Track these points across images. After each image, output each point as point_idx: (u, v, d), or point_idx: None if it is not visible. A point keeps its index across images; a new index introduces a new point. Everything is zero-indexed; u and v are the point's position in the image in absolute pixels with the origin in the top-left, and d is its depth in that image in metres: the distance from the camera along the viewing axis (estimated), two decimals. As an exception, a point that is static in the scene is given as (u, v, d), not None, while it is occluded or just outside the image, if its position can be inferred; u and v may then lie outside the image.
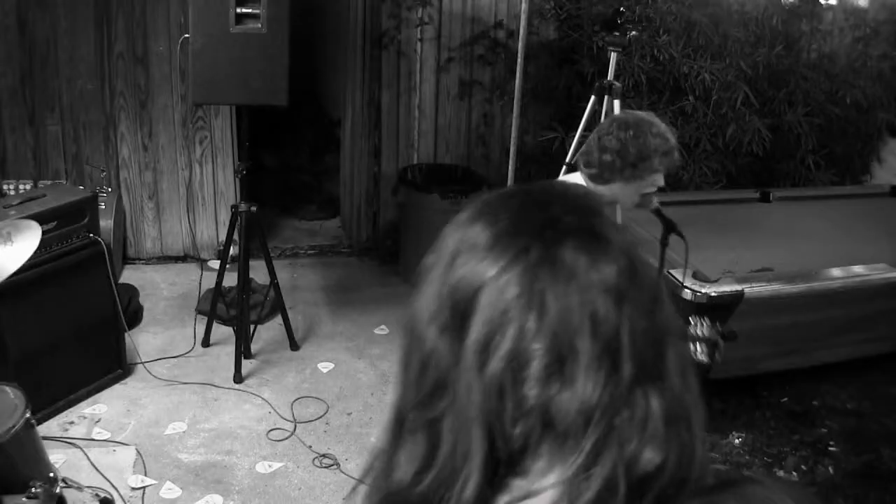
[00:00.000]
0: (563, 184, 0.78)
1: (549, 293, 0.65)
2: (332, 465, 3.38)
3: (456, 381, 0.66)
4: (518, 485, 0.67)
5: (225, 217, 5.04)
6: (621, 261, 0.68)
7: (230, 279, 4.10)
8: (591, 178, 2.51)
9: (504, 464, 0.67)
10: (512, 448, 0.66)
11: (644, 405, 0.65)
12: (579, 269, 0.66)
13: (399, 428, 0.72)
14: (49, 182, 4.64)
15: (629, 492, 0.64)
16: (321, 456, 3.42)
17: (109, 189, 4.71)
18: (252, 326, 4.13)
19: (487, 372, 0.65)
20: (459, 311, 0.67)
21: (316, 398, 3.85)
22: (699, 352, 2.51)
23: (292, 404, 3.78)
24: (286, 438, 3.55)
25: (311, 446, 3.49)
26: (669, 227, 2.78)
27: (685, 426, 0.67)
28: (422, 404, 0.69)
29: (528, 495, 0.66)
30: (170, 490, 3.18)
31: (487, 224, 0.70)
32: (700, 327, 2.50)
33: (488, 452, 0.66)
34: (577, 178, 2.59)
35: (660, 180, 2.54)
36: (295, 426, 3.64)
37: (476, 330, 0.66)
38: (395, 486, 0.70)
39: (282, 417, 3.69)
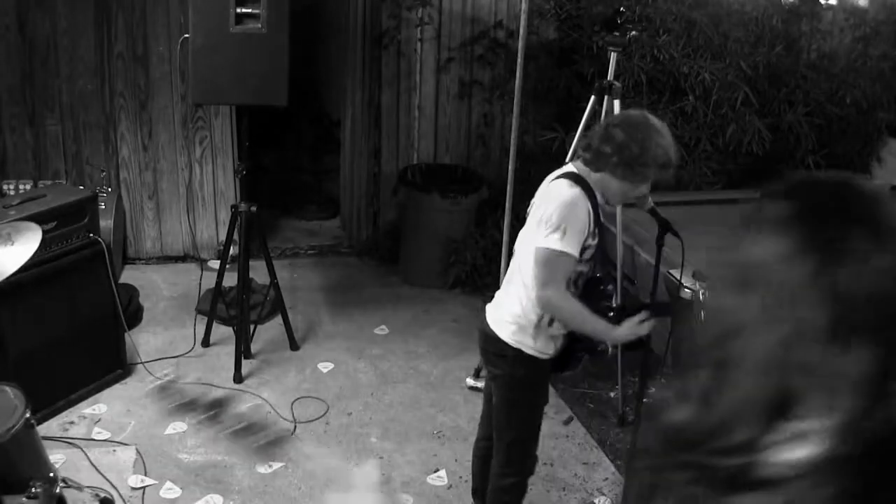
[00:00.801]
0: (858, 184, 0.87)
1: (840, 272, 0.76)
2: (332, 465, 3.38)
3: (749, 333, 0.77)
4: (787, 427, 0.76)
5: (225, 217, 5.04)
6: None
7: (230, 279, 4.10)
8: (584, 161, 2.50)
9: (776, 409, 0.76)
10: (787, 396, 0.75)
11: None
12: (867, 253, 0.76)
13: (687, 371, 0.84)
14: (49, 182, 4.64)
15: (886, 447, 0.75)
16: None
17: (109, 189, 4.71)
18: (252, 326, 4.13)
19: (780, 330, 0.76)
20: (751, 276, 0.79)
21: (316, 398, 3.85)
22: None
23: (292, 404, 3.78)
24: (286, 439, 3.55)
25: (311, 447, 3.49)
26: (665, 227, 2.78)
27: None
28: (712, 346, 0.80)
29: (795, 437, 0.76)
30: (170, 490, 3.18)
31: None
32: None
33: (768, 398, 0.76)
34: (569, 167, 2.58)
35: (646, 189, 2.53)
36: (295, 426, 3.64)
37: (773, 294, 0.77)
38: (677, 425, 0.80)
39: (282, 417, 3.69)
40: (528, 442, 2.73)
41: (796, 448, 0.76)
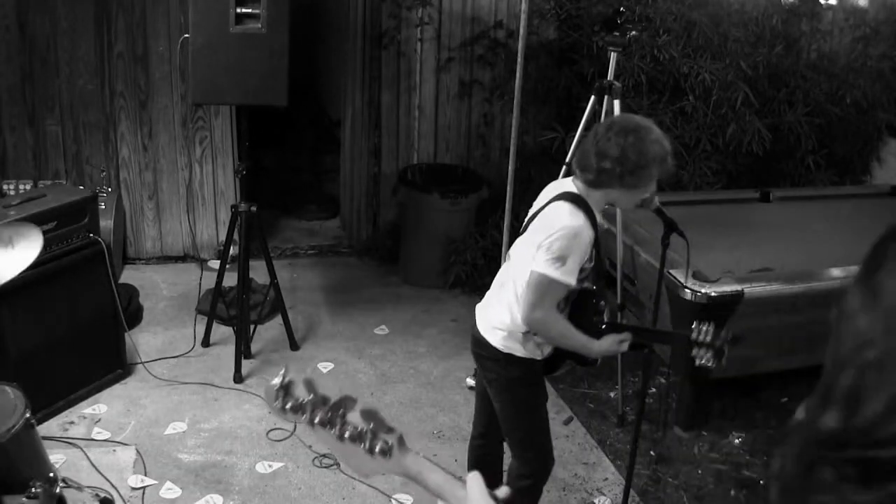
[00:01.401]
0: None
1: None
2: (332, 465, 3.38)
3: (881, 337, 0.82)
4: None
5: (225, 217, 5.04)
6: None
7: (230, 279, 4.10)
8: (587, 183, 2.46)
9: None
10: None
11: None
12: None
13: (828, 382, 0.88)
14: (49, 182, 4.64)
15: None
16: (321, 456, 3.42)
17: (109, 189, 4.71)
18: (252, 326, 4.13)
19: None
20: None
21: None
22: (704, 357, 2.50)
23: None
24: (286, 438, 3.55)
25: (311, 446, 3.49)
26: (671, 227, 2.78)
27: None
28: (850, 356, 0.84)
29: None
30: (170, 490, 3.18)
31: None
32: (706, 334, 2.49)
33: None
34: (568, 184, 2.57)
35: (653, 187, 2.53)
36: (295, 426, 3.64)
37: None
38: (826, 429, 0.84)
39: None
40: (537, 438, 2.74)
41: None
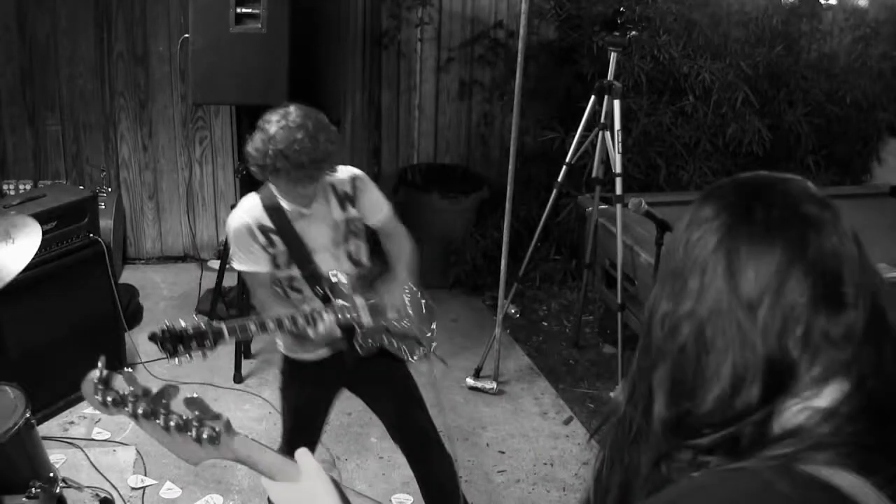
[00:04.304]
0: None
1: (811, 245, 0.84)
2: (332, 465, 3.38)
3: (713, 319, 0.85)
4: (804, 393, 0.84)
5: (225, 217, 5.03)
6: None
7: (230, 279, 4.10)
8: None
9: (786, 374, 0.83)
10: (791, 362, 0.83)
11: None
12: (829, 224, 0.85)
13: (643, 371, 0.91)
14: (49, 182, 4.64)
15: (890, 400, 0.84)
16: (320, 461, 3.42)
17: (109, 189, 4.71)
18: (252, 326, 4.13)
19: (783, 301, 0.82)
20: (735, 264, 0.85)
21: (316, 398, 3.85)
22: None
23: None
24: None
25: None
26: (663, 227, 2.79)
27: None
28: (668, 345, 0.87)
29: (811, 398, 0.83)
30: (170, 490, 3.18)
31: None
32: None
33: (770, 367, 0.82)
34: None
35: (308, 190, 2.40)
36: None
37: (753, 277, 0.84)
38: (667, 416, 0.87)
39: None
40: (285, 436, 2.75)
41: (814, 400, 0.83)
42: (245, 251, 2.45)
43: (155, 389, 1.17)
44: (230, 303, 4.26)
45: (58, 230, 3.45)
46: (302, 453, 1.18)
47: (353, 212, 2.61)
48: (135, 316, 4.36)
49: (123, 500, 3.08)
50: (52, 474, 2.56)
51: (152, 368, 3.96)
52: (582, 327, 4.56)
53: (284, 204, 2.45)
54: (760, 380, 0.82)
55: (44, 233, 2.79)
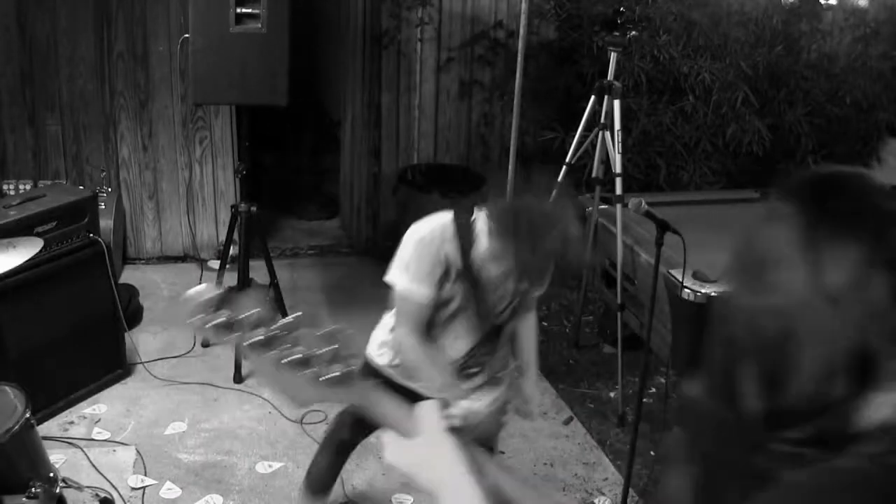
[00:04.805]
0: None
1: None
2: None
3: (801, 317, 0.85)
4: (887, 386, 0.84)
5: (225, 217, 5.04)
6: None
7: (230, 279, 4.10)
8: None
9: (869, 367, 0.83)
10: (874, 355, 0.83)
11: None
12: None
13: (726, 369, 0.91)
14: (49, 182, 4.64)
15: None
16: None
17: (109, 189, 4.71)
18: (252, 326, 4.12)
19: (865, 294, 0.83)
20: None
21: (316, 398, 3.85)
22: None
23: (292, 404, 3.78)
24: (286, 438, 3.55)
25: (311, 446, 3.49)
26: (664, 227, 2.78)
27: None
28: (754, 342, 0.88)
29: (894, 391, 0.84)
30: (170, 490, 3.18)
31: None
32: None
33: (854, 360, 0.83)
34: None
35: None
36: (301, 424, 3.64)
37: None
38: (750, 415, 0.88)
39: (282, 417, 3.69)
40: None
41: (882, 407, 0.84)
42: (422, 266, 2.25)
43: (285, 319, 1.02)
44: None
45: (58, 230, 3.45)
46: (426, 408, 1.09)
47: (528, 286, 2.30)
48: (135, 316, 4.36)
49: (123, 500, 3.08)
50: (52, 474, 2.56)
51: (152, 368, 3.96)
52: (582, 327, 4.56)
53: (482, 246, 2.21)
54: (845, 373, 0.83)
55: (44, 233, 2.80)
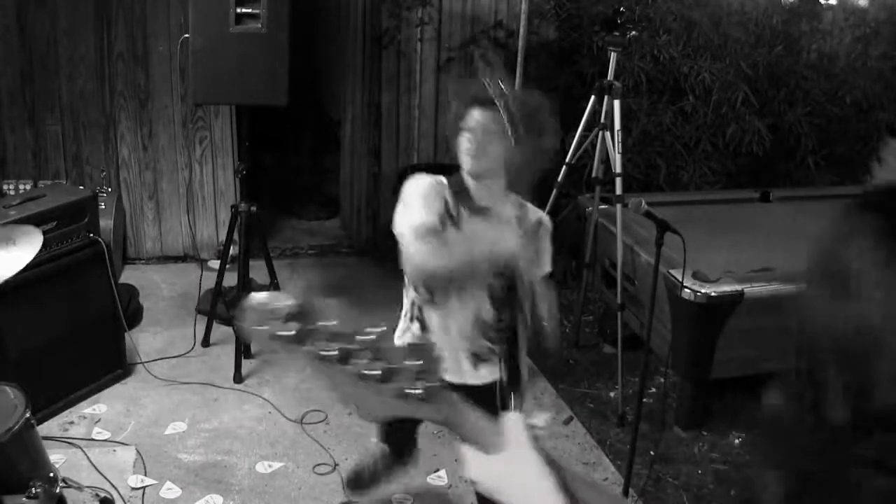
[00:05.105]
0: None
1: None
2: (331, 471, 3.38)
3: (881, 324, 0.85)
4: None
5: (225, 217, 5.04)
6: None
7: (230, 279, 4.10)
8: None
9: None
10: None
11: None
12: None
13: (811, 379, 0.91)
14: (49, 182, 4.64)
15: None
16: (321, 464, 3.42)
17: (109, 189, 4.71)
18: (252, 326, 4.12)
19: None
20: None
21: (316, 398, 3.85)
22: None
23: (292, 404, 3.78)
24: (286, 438, 3.55)
25: (311, 446, 3.49)
26: (663, 227, 2.78)
27: None
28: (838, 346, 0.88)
29: None
30: (170, 490, 3.18)
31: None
32: None
33: None
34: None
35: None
36: (301, 424, 3.64)
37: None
38: (836, 428, 0.87)
39: (282, 417, 3.69)
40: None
41: None
42: (425, 201, 2.30)
43: (370, 332, 0.97)
44: (230, 303, 4.26)
45: (58, 230, 3.45)
46: (511, 421, 1.05)
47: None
48: (135, 316, 4.36)
49: (123, 500, 3.08)
50: (52, 474, 2.56)
51: (152, 368, 3.96)
52: (582, 327, 4.56)
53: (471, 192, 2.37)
54: None
55: (44, 233, 2.79)
